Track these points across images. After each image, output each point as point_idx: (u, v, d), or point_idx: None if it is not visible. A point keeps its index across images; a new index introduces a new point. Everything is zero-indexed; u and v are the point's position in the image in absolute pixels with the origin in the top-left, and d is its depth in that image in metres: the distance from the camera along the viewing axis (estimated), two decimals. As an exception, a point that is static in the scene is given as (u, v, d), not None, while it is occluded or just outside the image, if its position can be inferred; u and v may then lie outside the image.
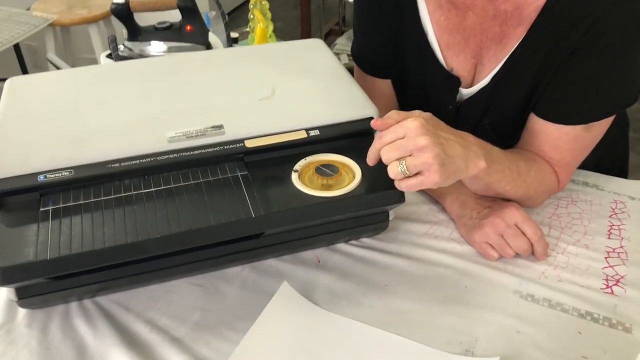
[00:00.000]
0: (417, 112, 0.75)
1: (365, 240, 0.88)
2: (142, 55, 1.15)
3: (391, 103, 1.05)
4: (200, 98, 0.85)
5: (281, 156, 0.78)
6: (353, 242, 0.88)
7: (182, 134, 0.77)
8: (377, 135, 0.74)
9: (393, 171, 0.71)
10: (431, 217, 0.93)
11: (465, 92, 0.96)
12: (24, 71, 2.58)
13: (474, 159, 0.75)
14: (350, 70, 0.97)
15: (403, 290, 0.80)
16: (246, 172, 0.76)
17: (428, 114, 0.75)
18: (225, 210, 0.71)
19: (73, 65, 1.12)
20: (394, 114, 0.75)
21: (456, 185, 0.87)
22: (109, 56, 1.17)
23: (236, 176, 0.76)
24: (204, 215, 0.70)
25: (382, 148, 0.72)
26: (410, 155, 0.71)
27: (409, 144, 0.70)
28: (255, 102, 0.83)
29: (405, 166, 0.71)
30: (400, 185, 0.72)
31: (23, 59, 2.57)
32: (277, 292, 0.79)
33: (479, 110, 0.95)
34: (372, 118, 0.82)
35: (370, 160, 0.75)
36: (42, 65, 2.82)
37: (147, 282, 0.80)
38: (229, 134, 0.78)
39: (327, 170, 0.76)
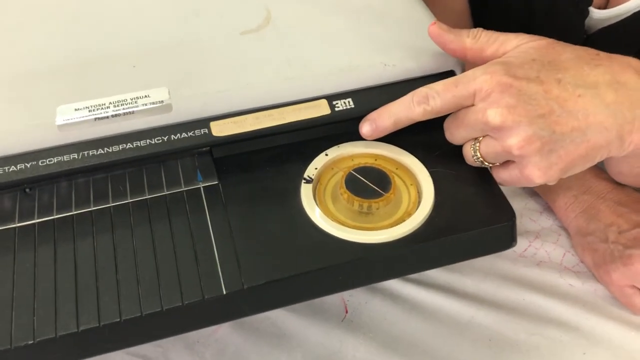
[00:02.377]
0: (510, 37, 0.42)
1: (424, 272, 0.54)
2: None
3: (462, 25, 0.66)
4: (127, 33, 0.47)
5: (281, 151, 0.42)
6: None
7: (88, 111, 0.40)
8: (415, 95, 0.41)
9: (467, 156, 0.42)
10: (528, 221, 0.57)
11: (599, 15, 0.57)
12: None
13: (629, 125, 0.38)
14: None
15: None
16: (215, 182, 0.40)
17: (528, 39, 0.41)
18: (167, 278, 0.36)
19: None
20: (466, 34, 0.43)
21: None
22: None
23: (195, 191, 0.40)
24: (126, 289, 0.36)
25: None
26: (486, 136, 0.40)
27: (475, 117, 0.39)
28: (233, 38, 0.46)
29: (479, 154, 0.40)
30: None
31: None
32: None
33: (623, 45, 0.56)
34: (453, 73, 0.44)
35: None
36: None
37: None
38: (181, 111, 0.41)
39: (368, 183, 0.40)
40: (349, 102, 0.42)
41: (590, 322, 0.50)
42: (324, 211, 0.40)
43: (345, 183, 0.40)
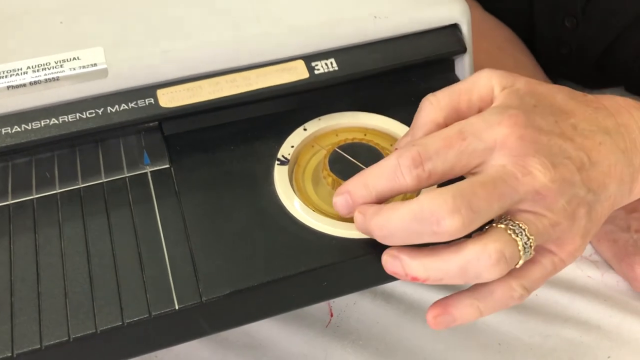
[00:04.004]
0: (480, 77, 0.32)
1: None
2: None
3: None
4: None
5: (248, 126, 0.34)
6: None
7: (3, 76, 0.31)
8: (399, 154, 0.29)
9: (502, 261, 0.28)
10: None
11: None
12: None
13: (638, 173, 0.32)
14: None
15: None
16: (167, 165, 0.32)
17: (502, 78, 0.31)
18: (103, 290, 0.28)
19: None
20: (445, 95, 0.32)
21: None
22: None
23: (140, 177, 0.32)
24: (50, 305, 0.27)
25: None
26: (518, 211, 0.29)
27: (509, 185, 0.28)
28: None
29: (531, 241, 0.28)
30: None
31: None
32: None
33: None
34: (457, 27, 0.36)
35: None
36: None
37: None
38: (120, 76, 0.32)
39: (357, 163, 0.32)
40: (331, 63, 0.34)
41: (614, 320, 0.43)
42: (304, 199, 0.32)
43: (329, 164, 0.32)
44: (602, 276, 0.46)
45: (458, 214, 0.26)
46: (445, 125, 0.31)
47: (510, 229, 0.27)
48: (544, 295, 0.45)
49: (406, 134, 0.33)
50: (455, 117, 0.31)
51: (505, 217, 0.28)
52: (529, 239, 0.27)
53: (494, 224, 0.28)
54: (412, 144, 0.29)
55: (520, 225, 0.28)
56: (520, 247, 0.27)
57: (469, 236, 0.28)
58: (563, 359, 0.42)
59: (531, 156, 0.28)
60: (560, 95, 0.31)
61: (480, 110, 0.31)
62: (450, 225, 0.26)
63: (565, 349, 0.42)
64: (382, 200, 0.30)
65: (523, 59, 0.56)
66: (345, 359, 0.42)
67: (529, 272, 0.29)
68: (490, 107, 0.30)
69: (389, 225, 0.28)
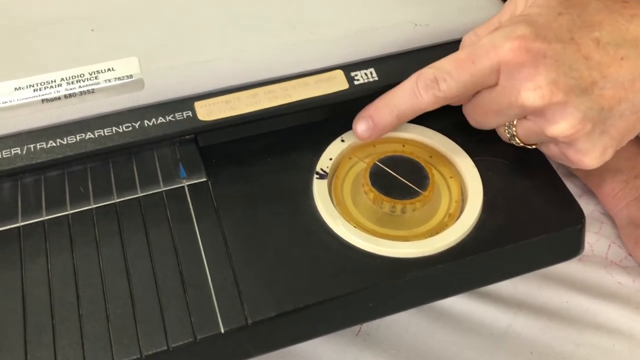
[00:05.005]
0: None
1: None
2: None
3: None
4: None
5: (286, 138, 0.33)
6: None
7: (33, 91, 0.30)
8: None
9: (503, 137, 0.34)
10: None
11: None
12: None
13: None
14: None
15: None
16: (203, 179, 0.31)
17: None
18: (146, 314, 0.27)
19: None
20: None
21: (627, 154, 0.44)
22: None
23: (177, 191, 0.31)
24: (92, 330, 0.27)
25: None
26: (522, 119, 0.32)
27: (506, 101, 0.31)
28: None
29: (517, 139, 0.33)
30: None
31: None
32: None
33: None
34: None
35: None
36: None
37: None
38: (156, 88, 0.31)
39: (398, 177, 0.32)
40: (371, 73, 0.33)
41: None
42: (344, 214, 0.31)
43: (371, 178, 0.31)
44: (634, 282, 0.45)
45: None
46: None
47: (507, 129, 0.32)
48: (574, 302, 0.45)
49: None
50: None
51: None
52: (518, 142, 0.33)
53: None
54: (429, 67, 0.31)
55: (512, 128, 0.32)
56: (510, 137, 0.33)
57: None
58: (596, 367, 0.41)
59: (534, 74, 0.29)
60: (595, 2, 0.31)
61: None
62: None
63: (598, 357, 0.42)
64: (402, 121, 0.33)
65: None
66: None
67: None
68: (502, 27, 0.31)
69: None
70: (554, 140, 0.31)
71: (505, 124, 0.33)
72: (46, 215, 0.30)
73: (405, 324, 0.43)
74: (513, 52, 0.29)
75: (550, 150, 0.33)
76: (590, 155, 0.31)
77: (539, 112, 0.30)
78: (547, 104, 0.29)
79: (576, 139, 0.30)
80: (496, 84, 0.31)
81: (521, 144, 0.33)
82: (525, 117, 0.31)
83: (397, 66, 0.33)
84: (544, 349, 0.42)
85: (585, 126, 0.30)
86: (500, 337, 0.43)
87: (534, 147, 0.33)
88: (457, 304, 0.44)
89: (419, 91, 0.31)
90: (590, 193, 0.50)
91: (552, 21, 0.30)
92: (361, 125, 0.33)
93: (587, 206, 0.50)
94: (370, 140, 0.33)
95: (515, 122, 0.32)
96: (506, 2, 0.33)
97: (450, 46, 0.34)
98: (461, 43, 0.34)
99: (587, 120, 0.29)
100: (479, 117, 0.33)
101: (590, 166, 0.31)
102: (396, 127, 0.33)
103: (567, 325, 0.43)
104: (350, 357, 0.41)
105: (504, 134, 0.33)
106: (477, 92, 0.32)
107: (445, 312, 0.44)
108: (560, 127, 0.30)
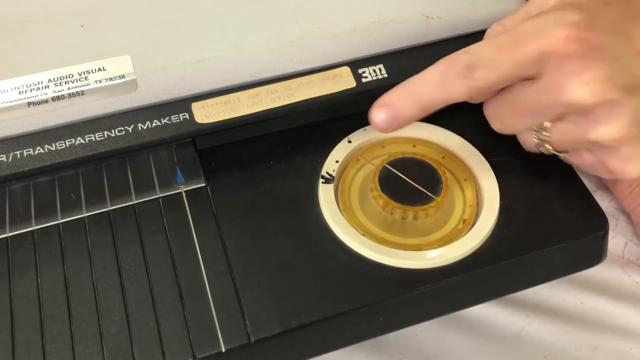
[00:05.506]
0: None
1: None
2: None
3: None
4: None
5: (289, 139, 0.31)
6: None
7: (18, 93, 0.28)
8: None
9: (527, 144, 0.31)
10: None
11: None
12: None
13: None
14: None
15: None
16: (202, 184, 0.30)
17: None
18: (141, 331, 0.25)
19: None
20: None
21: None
22: None
23: (174, 197, 0.29)
24: (84, 348, 0.25)
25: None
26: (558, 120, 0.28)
27: (548, 97, 0.27)
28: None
29: (549, 145, 0.29)
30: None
31: None
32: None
33: None
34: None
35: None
36: None
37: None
38: (150, 88, 0.29)
39: (409, 181, 0.30)
40: (379, 69, 0.31)
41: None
42: (351, 221, 0.29)
43: (380, 182, 0.29)
44: (654, 283, 0.44)
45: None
46: None
47: (536, 134, 0.29)
48: (589, 303, 0.43)
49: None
50: None
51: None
52: (549, 149, 0.29)
53: None
54: (463, 51, 0.27)
55: (543, 132, 0.29)
56: (538, 144, 0.30)
57: None
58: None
59: (584, 68, 0.26)
60: None
61: None
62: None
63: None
64: (427, 112, 0.29)
65: None
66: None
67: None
68: (548, 11, 0.28)
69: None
70: (595, 145, 0.28)
71: (534, 128, 0.29)
72: (35, 225, 0.28)
73: (414, 328, 0.42)
74: (563, 41, 0.26)
75: (583, 159, 0.29)
76: (634, 163, 0.28)
77: (585, 112, 0.27)
78: (598, 102, 0.26)
79: (621, 143, 0.27)
80: (534, 77, 0.27)
81: (552, 152, 0.29)
82: (562, 119, 0.28)
83: (407, 62, 0.31)
84: (559, 353, 0.41)
85: (632, 130, 0.26)
86: (512, 340, 0.41)
87: (562, 155, 0.30)
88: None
89: (450, 79, 0.27)
90: (605, 188, 0.48)
91: (600, 11, 0.27)
92: (379, 114, 0.29)
93: (601, 201, 0.48)
94: (389, 132, 0.30)
95: (547, 125, 0.28)
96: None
97: (465, 40, 0.31)
98: (485, 35, 0.31)
99: (637, 122, 0.26)
100: (508, 117, 0.29)
101: (632, 175, 0.28)
102: (420, 118, 0.29)
103: (582, 328, 0.42)
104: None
105: (530, 140, 0.30)
106: (506, 87, 0.28)
107: (455, 316, 0.42)
108: (608, 129, 0.26)
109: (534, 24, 0.27)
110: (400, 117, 0.29)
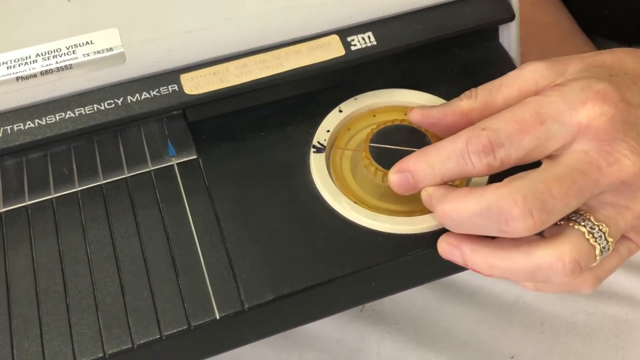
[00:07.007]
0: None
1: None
2: None
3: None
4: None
5: (279, 109, 0.31)
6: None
7: (7, 68, 0.28)
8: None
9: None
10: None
11: None
12: None
13: None
14: None
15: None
16: (194, 156, 0.30)
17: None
18: (136, 301, 0.26)
19: None
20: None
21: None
22: None
23: (166, 170, 0.29)
24: (80, 319, 0.25)
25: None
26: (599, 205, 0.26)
27: (589, 178, 0.24)
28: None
29: (605, 232, 0.25)
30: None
31: None
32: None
33: None
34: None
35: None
36: None
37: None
38: (139, 61, 0.29)
39: (400, 149, 0.30)
40: (368, 37, 0.31)
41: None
42: (343, 189, 0.29)
43: (371, 150, 0.29)
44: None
45: (529, 217, 0.23)
46: (470, 120, 0.28)
47: (589, 232, 0.25)
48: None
49: (430, 107, 0.29)
50: (486, 112, 0.28)
51: (584, 214, 0.25)
52: (608, 242, 0.25)
53: (570, 223, 0.25)
54: (481, 127, 0.26)
55: (601, 228, 0.25)
56: (598, 252, 0.25)
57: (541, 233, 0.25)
58: (609, 337, 0.40)
59: (620, 140, 0.24)
60: (629, 58, 0.27)
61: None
62: (520, 227, 0.24)
63: (610, 327, 0.41)
64: (446, 182, 0.27)
65: (558, 15, 0.52)
66: (382, 344, 0.40)
67: (602, 264, 0.27)
68: (569, 81, 0.26)
69: (454, 215, 0.25)
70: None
71: (576, 223, 0.25)
72: (29, 200, 0.29)
73: (411, 298, 0.42)
74: (597, 120, 0.24)
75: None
76: None
77: (627, 184, 0.24)
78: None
79: None
80: (558, 154, 0.25)
81: (612, 243, 0.25)
82: (600, 200, 0.25)
83: (397, 29, 0.31)
84: (555, 320, 0.41)
85: None
86: (509, 309, 0.42)
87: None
88: (465, 275, 0.43)
89: (469, 157, 0.26)
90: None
91: (616, 84, 0.25)
92: (398, 179, 0.27)
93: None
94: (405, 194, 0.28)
95: (586, 215, 0.25)
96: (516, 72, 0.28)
97: (456, 6, 0.31)
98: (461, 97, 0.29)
99: None
100: (540, 210, 0.24)
101: None
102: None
103: (578, 295, 0.42)
104: (355, 333, 0.40)
105: (585, 247, 0.25)
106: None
107: (452, 285, 0.43)
108: None
109: (560, 98, 0.25)
110: (418, 185, 0.27)
